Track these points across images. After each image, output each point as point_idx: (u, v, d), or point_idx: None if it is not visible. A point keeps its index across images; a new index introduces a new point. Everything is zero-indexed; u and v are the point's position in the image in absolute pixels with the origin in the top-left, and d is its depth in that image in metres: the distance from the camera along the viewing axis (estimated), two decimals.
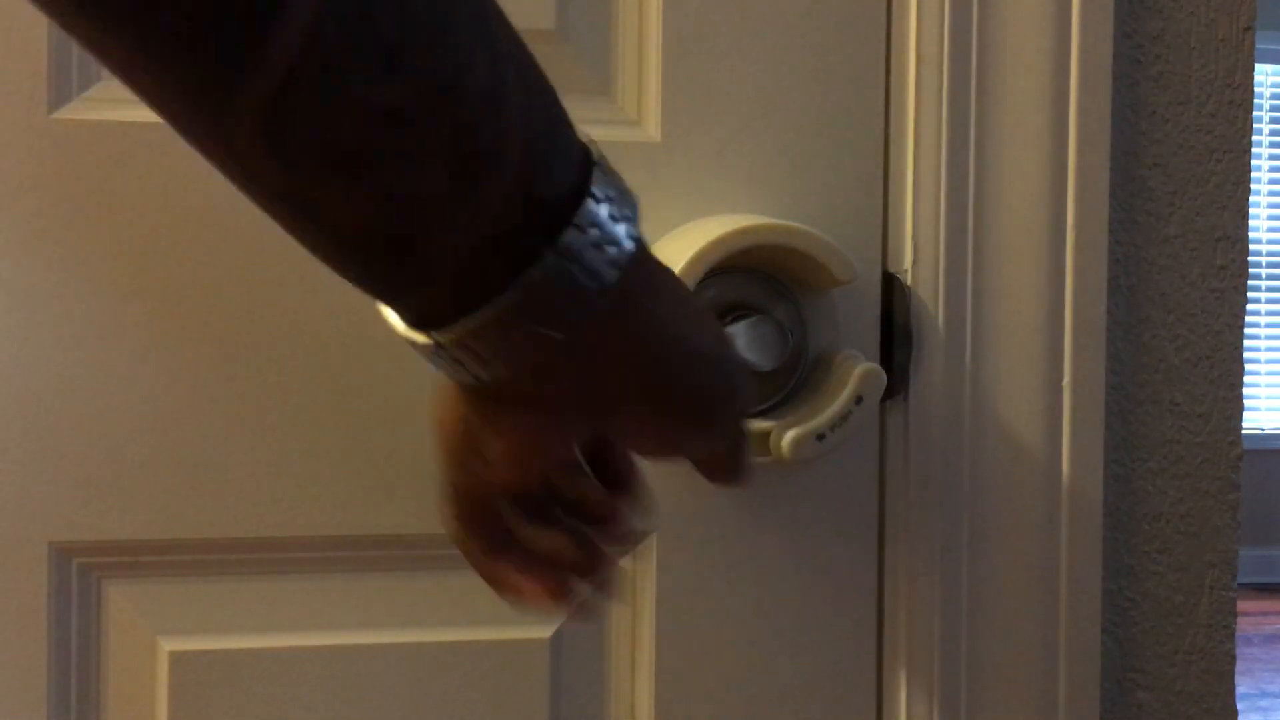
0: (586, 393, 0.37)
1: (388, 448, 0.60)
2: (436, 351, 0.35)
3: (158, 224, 0.58)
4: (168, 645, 0.59)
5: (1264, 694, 3.71)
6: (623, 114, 0.62)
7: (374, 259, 0.33)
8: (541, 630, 0.62)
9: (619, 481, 0.46)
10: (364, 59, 0.30)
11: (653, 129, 0.62)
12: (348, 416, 0.59)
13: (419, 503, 0.60)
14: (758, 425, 0.60)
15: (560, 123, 0.35)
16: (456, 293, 0.34)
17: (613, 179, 0.36)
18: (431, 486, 0.60)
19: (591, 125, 0.61)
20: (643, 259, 0.37)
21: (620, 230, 0.35)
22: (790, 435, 0.58)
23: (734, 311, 0.60)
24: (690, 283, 0.56)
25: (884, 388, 0.60)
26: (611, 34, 0.62)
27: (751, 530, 0.63)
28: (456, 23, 0.31)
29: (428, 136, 0.31)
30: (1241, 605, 0.72)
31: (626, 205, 0.36)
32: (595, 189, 0.35)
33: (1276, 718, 3.56)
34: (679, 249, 0.57)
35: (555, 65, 0.61)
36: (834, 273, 0.58)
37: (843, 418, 0.59)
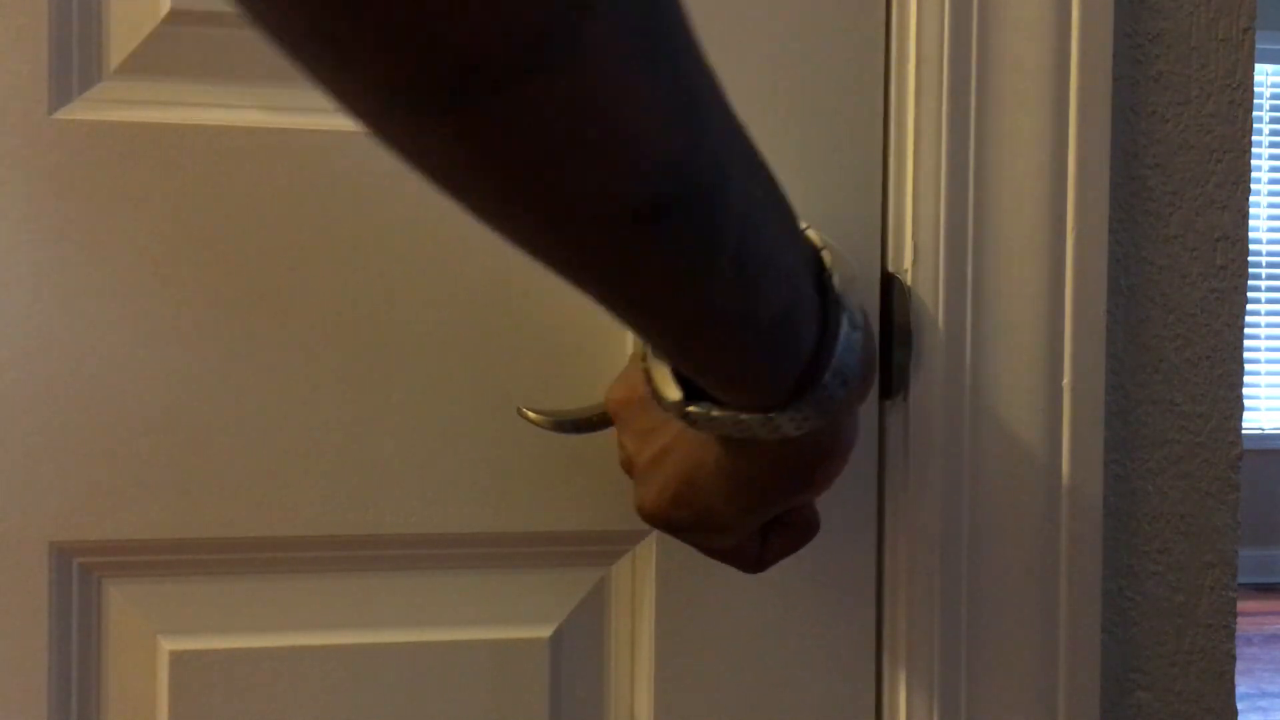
0: (854, 432, 0.47)
1: (388, 447, 0.60)
2: (778, 423, 0.42)
3: (158, 224, 0.58)
4: (168, 645, 0.59)
5: (1264, 694, 3.71)
6: None
7: (776, 337, 0.40)
8: (541, 630, 0.62)
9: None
10: (753, 170, 0.38)
11: None
12: (348, 416, 0.60)
13: (419, 501, 0.60)
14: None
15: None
16: (809, 361, 0.42)
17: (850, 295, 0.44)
18: (429, 485, 0.60)
19: None
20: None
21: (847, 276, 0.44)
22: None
23: None
24: None
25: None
26: None
27: None
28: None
29: (784, 216, 0.40)
30: (1241, 605, 0.72)
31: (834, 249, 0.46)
32: (823, 246, 0.44)
33: (1276, 717, 3.56)
34: None
35: None
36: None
37: None
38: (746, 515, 0.48)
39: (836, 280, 0.42)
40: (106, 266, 0.57)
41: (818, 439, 0.45)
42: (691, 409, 0.44)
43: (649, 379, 0.47)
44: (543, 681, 0.62)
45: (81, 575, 0.59)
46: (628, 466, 0.52)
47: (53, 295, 0.57)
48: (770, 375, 0.41)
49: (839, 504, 0.64)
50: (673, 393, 0.45)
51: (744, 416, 0.42)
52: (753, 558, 0.53)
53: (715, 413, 0.43)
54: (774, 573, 0.63)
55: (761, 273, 0.37)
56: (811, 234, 0.45)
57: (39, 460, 0.57)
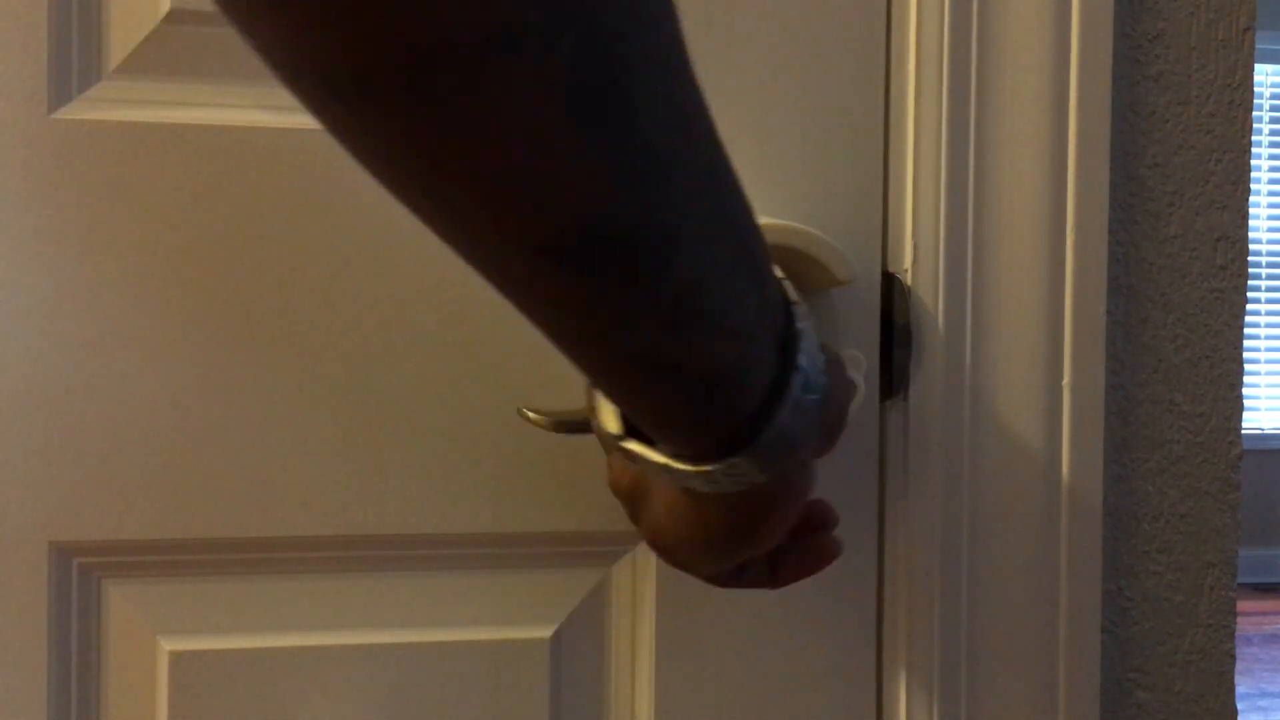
0: (806, 485, 0.45)
1: (388, 447, 0.60)
2: (708, 475, 0.41)
3: (157, 224, 0.58)
4: (168, 645, 0.59)
5: (1264, 694, 3.71)
6: None
7: (711, 392, 0.39)
8: (541, 630, 0.62)
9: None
10: (719, 225, 0.36)
11: None
12: (348, 416, 0.59)
13: (419, 502, 0.60)
14: None
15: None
16: (747, 419, 0.40)
17: (788, 286, 0.43)
18: (429, 485, 0.60)
19: None
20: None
21: (815, 340, 0.42)
22: None
23: None
24: None
25: (864, 369, 0.60)
26: None
27: None
28: (731, 169, 0.38)
29: (746, 272, 0.38)
30: (1241, 605, 0.72)
31: (804, 309, 0.43)
32: (794, 301, 0.42)
33: (1276, 717, 3.56)
34: None
35: None
36: (834, 273, 0.58)
37: None
38: (706, 559, 0.47)
39: (802, 342, 0.40)
40: (106, 266, 0.57)
41: (764, 492, 0.43)
42: (627, 445, 0.43)
43: (591, 406, 0.46)
44: (543, 682, 0.62)
45: (81, 575, 0.59)
46: (615, 487, 0.51)
47: (51, 295, 0.57)
48: (702, 428, 0.40)
49: (839, 504, 0.64)
50: (612, 425, 0.44)
51: (676, 465, 0.41)
52: (764, 583, 0.52)
53: (651, 455, 0.42)
54: None
55: (702, 329, 0.36)
56: (788, 288, 0.43)
57: (39, 460, 0.57)
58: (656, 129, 0.32)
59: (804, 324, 0.41)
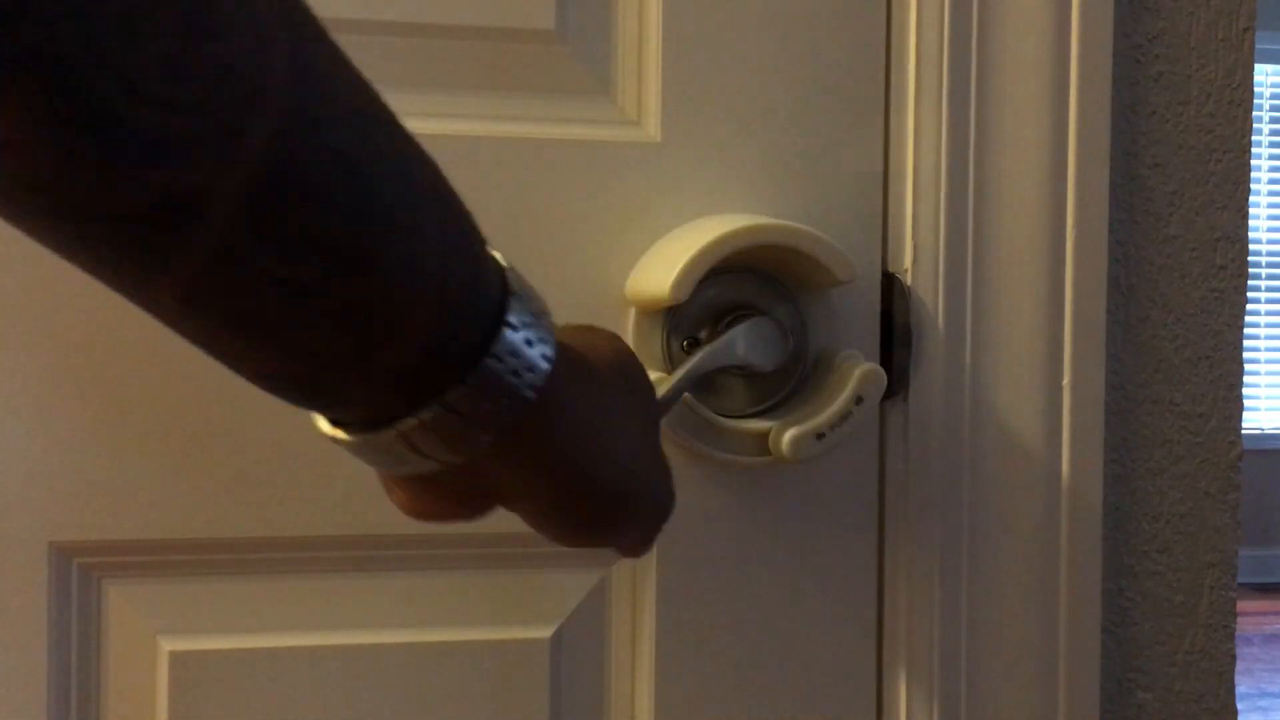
0: (475, 489, 0.40)
1: None
2: (346, 447, 0.38)
3: None
4: (168, 645, 0.59)
5: (1264, 694, 3.71)
6: (622, 114, 0.62)
7: (289, 392, 0.36)
8: (542, 630, 0.62)
9: None
10: (277, 245, 0.31)
11: (653, 129, 0.62)
12: None
13: None
14: (757, 425, 0.60)
15: (480, 261, 0.37)
16: (367, 415, 0.37)
17: (530, 303, 0.38)
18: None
19: (591, 125, 0.61)
20: (559, 377, 0.38)
21: (535, 354, 0.37)
22: (790, 435, 0.58)
23: (734, 311, 0.60)
24: (690, 282, 0.56)
25: (884, 388, 0.59)
26: (611, 34, 0.62)
27: (752, 530, 0.63)
28: (376, 195, 0.33)
29: (334, 307, 0.33)
30: (1241, 605, 0.72)
31: (543, 328, 0.38)
32: (512, 317, 0.37)
33: (1276, 717, 3.56)
34: (679, 249, 0.57)
35: (554, 65, 0.61)
36: (834, 272, 0.58)
37: (842, 417, 0.58)
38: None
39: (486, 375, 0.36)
40: None
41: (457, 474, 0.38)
42: (327, 430, 0.39)
43: None
44: (543, 682, 0.62)
45: (81, 575, 0.59)
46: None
47: (50, 293, 0.57)
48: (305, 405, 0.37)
49: (840, 503, 0.64)
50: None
51: (327, 430, 0.38)
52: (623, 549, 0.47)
53: (316, 420, 0.39)
54: (774, 572, 0.63)
55: (242, 331, 0.34)
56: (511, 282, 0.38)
57: (38, 460, 0.57)
58: (136, 103, 0.28)
59: (487, 377, 0.36)
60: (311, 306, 0.33)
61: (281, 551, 0.60)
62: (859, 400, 0.58)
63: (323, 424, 0.39)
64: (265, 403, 0.58)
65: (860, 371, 0.59)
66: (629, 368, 0.44)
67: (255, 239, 0.31)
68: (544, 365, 0.37)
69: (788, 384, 0.61)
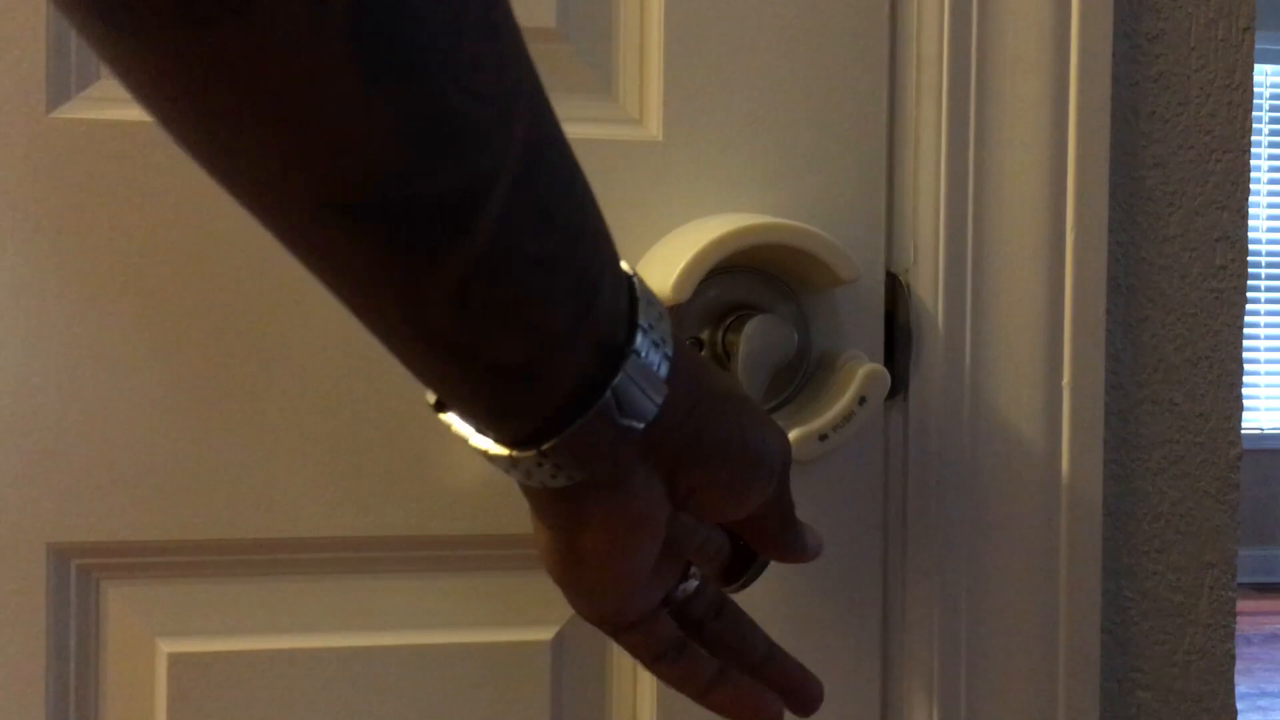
0: (654, 490, 0.43)
1: (388, 447, 0.60)
2: (519, 463, 0.40)
3: (156, 223, 0.57)
4: (167, 647, 0.59)
5: (1263, 694, 3.71)
6: (624, 112, 0.62)
7: (506, 386, 0.37)
8: (543, 633, 0.62)
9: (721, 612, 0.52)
10: (535, 224, 0.34)
11: (654, 128, 0.61)
12: (348, 416, 0.59)
13: (419, 503, 0.60)
14: None
15: (615, 260, 0.40)
16: (553, 415, 0.39)
17: (653, 305, 0.41)
18: (431, 485, 0.60)
19: (592, 124, 0.61)
20: (681, 367, 0.41)
21: (656, 357, 0.40)
22: (792, 435, 0.58)
23: (737, 312, 0.59)
24: (692, 282, 0.56)
25: (888, 388, 0.59)
26: (612, 32, 0.61)
27: None
28: (577, 176, 0.37)
29: (566, 276, 0.36)
30: (1241, 605, 0.72)
31: (662, 330, 0.41)
32: (642, 320, 0.40)
33: (1276, 717, 3.56)
34: (680, 248, 0.57)
35: (556, 63, 0.61)
36: (837, 272, 0.58)
37: (845, 418, 0.58)
38: (592, 591, 0.45)
39: (634, 357, 0.39)
40: (103, 266, 0.57)
41: (598, 509, 0.41)
42: (442, 418, 0.42)
43: None
44: (544, 685, 0.62)
45: (79, 577, 0.58)
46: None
47: (50, 294, 0.57)
48: (500, 419, 0.39)
49: (844, 505, 0.64)
50: (431, 395, 0.43)
51: (480, 446, 0.40)
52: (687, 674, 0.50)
53: (462, 431, 0.41)
54: (778, 575, 0.63)
55: (492, 321, 0.35)
56: (641, 291, 0.41)
57: (36, 461, 0.57)
58: (457, 91, 0.30)
59: (645, 339, 0.39)
60: (552, 279, 0.35)
61: (282, 553, 0.60)
62: (862, 401, 0.58)
63: (486, 443, 0.40)
64: (265, 401, 0.59)
65: (864, 372, 0.58)
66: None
67: (520, 220, 0.33)
68: (664, 368, 0.40)
69: (790, 385, 0.61)
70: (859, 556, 0.64)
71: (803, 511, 0.63)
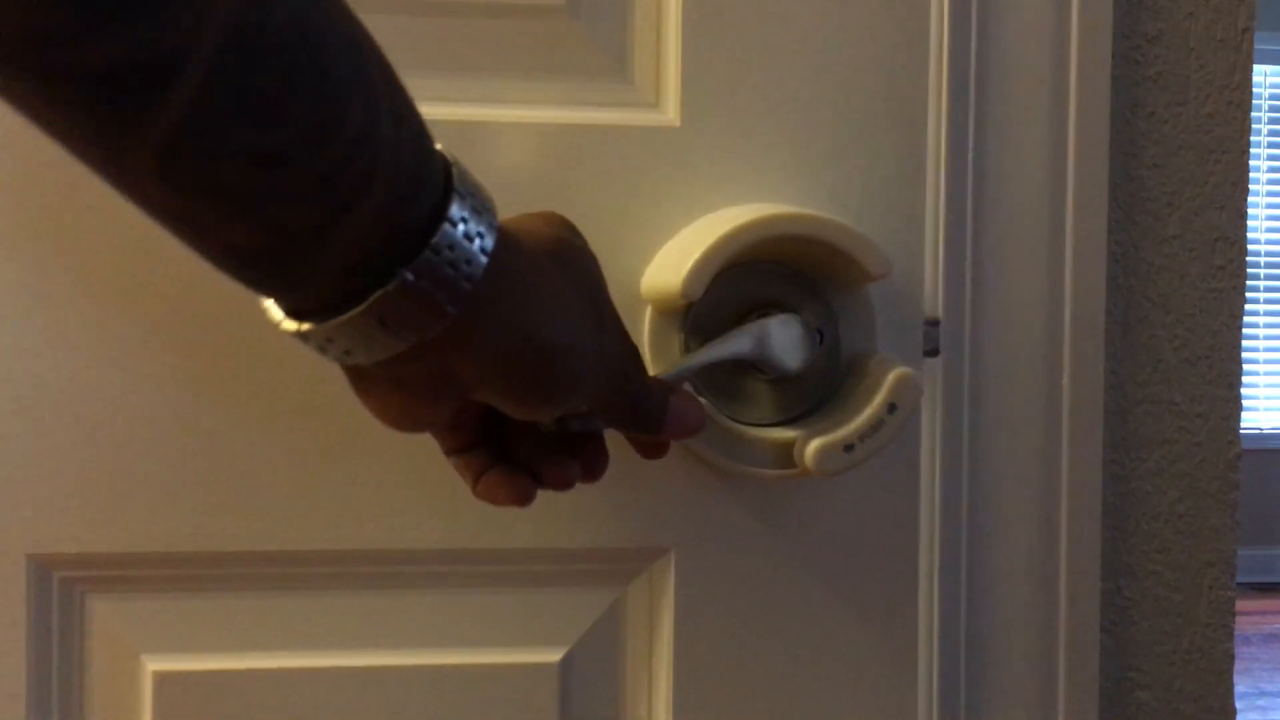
0: (438, 379, 0.42)
1: (383, 459, 0.58)
2: (303, 337, 0.40)
3: (150, 230, 0.57)
4: (152, 665, 0.57)
5: (1262, 693, 3.72)
6: (639, 96, 0.59)
7: (252, 269, 0.38)
8: (550, 654, 0.60)
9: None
10: (249, 110, 0.33)
11: (671, 112, 0.59)
12: (341, 427, 0.58)
13: (417, 516, 0.58)
14: (782, 435, 0.56)
15: (426, 154, 0.39)
16: (323, 300, 0.39)
17: (472, 199, 0.40)
18: (433, 497, 0.58)
19: (605, 109, 0.59)
20: (497, 267, 0.41)
21: (474, 247, 0.39)
22: (814, 445, 0.53)
23: (758, 310, 0.56)
24: (704, 279, 0.53)
25: (921, 395, 0.54)
26: (627, 10, 0.59)
27: (776, 548, 0.60)
28: (336, 73, 0.35)
29: (304, 176, 0.35)
30: (1240, 605, 0.72)
31: (483, 221, 0.40)
32: (453, 212, 0.39)
33: (1275, 716, 3.57)
34: (694, 243, 0.54)
35: (567, 45, 0.58)
36: (866, 267, 0.54)
37: (874, 427, 0.53)
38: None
39: (434, 251, 0.38)
40: (94, 272, 0.56)
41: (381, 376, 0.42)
42: (262, 301, 0.41)
43: None
44: (551, 709, 0.59)
45: (62, 590, 0.57)
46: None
47: (36, 301, 0.56)
48: (262, 286, 0.39)
49: (875, 520, 0.61)
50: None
51: (276, 319, 0.41)
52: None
53: (265, 306, 0.41)
54: (801, 593, 0.61)
55: (208, 203, 0.35)
56: (449, 160, 0.40)
57: (16, 469, 0.56)
58: None
59: (439, 256, 0.38)
60: (280, 175, 0.34)
61: (273, 567, 0.58)
62: (892, 409, 0.53)
63: (286, 322, 0.41)
64: (256, 411, 0.57)
65: (893, 376, 0.54)
66: (565, 247, 0.46)
67: (226, 104, 0.32)
68: (481, 260, 0.39)
69: (820, 389, 0.57)
70: (895, 580, 0.62)
71: (832, 530, 0.60)
